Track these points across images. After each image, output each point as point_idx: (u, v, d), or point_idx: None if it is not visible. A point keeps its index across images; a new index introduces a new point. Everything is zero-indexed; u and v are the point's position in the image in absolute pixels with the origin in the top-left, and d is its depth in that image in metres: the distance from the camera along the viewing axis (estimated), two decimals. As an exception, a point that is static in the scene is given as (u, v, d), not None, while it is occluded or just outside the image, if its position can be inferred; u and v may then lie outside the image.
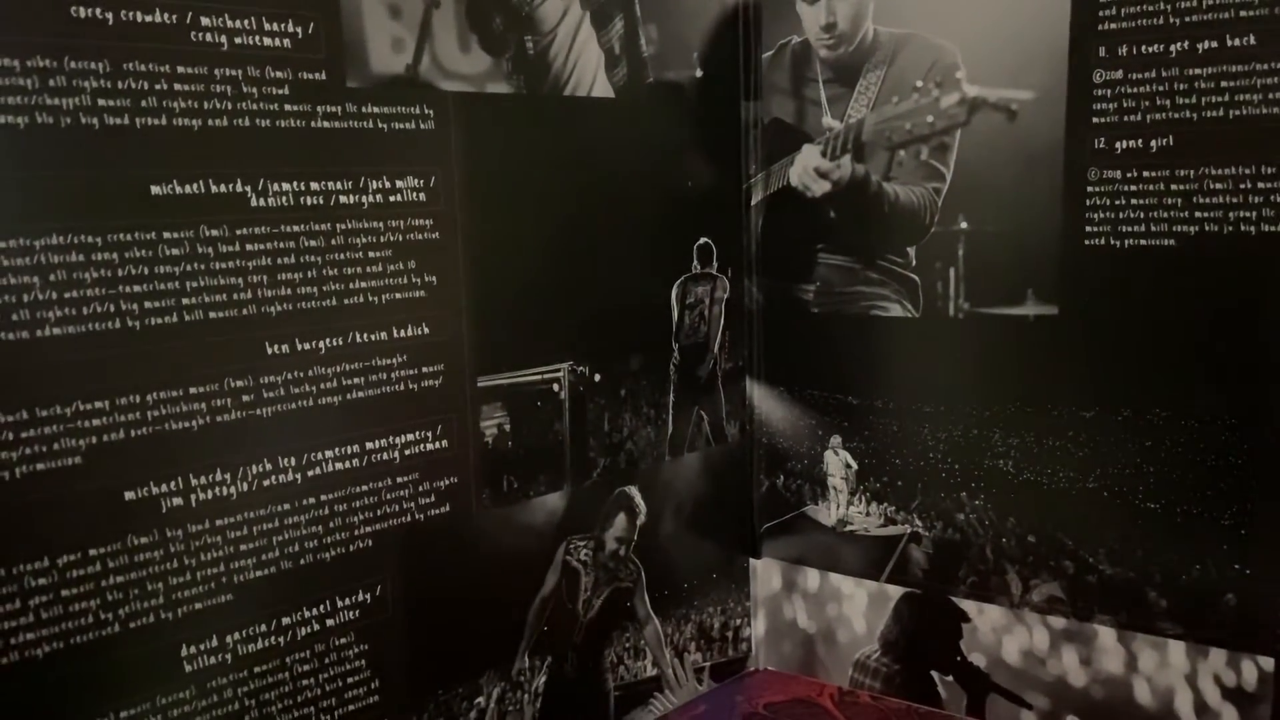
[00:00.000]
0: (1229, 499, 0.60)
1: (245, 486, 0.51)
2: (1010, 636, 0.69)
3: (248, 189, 0.50)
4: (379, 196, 0.54)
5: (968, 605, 0.71)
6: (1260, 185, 0.57)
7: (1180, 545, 0.62)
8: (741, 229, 0.76)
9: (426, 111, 0.56)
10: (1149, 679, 0.65)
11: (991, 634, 0.70)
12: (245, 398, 0.51)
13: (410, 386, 0.57)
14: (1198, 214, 0.59)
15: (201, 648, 0.50)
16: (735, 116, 0.74)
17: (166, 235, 0.47)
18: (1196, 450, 0.61)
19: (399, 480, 0.57)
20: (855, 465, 0.75)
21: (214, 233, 0.49)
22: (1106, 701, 0.66)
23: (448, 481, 0.60)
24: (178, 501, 0.49)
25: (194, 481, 0.49)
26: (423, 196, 0.56)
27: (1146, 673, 0.65)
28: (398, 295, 0.56)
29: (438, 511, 0.59)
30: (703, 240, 0.73)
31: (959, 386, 0.69)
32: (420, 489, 0.58)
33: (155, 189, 0.47)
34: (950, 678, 0.72)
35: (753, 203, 0.75)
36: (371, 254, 0.55)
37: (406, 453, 0.57)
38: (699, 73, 0.71)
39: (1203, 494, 0.61)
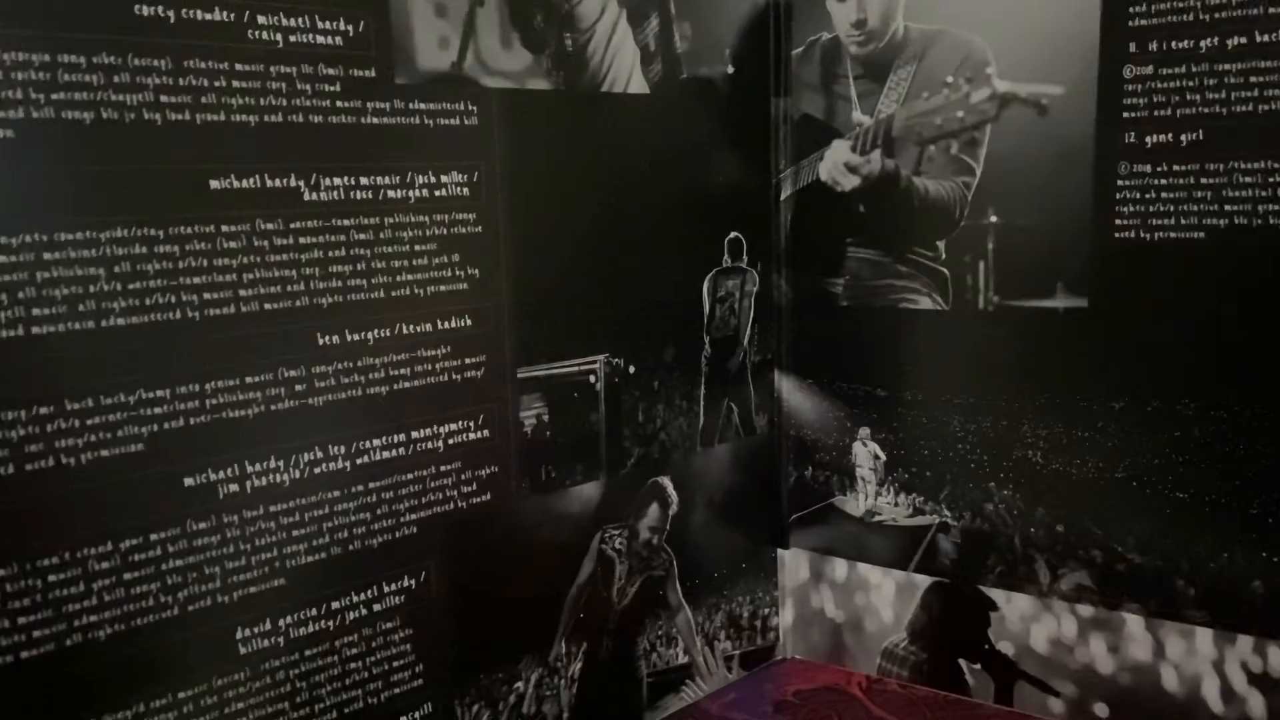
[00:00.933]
0: (1257, 488, 0.61)
1: (297, 473, 0.52)
2: (1038, 625, 0.70)
3: (301, 183, 0.51)
4: (425, 191, 0.56)
5: (996, 594, 0.72)
6: (1289, 179, 0.58)
7: (1208, 534, 0.63)
8: (772, 223, 0.77)
9: (470, 108, 0.57)
10: (1176, 666, 0.66)
11: (1019, 622, 0.71)
12: (298, 387, 0.52)
13: (453, 377, 0.59)
14: (1227, 207, 0.60)
15: (255, 630, 0.52)
16: (766, 112, 0.75)
17: (225, 229, 0.48)
18: (1225, 440, 0.62)
19: (442, 469, 0.59)
20: (884, 456, 0.76)
21: (269, 226, 0.50)
22: (1134, 689, 0.67)
23: (489, 470, 0.61)
24: (234, 488, 0.50)
25: (249, 468, 0.50)
26: (466, 191, 0.58)
27: (1174, 660, 0.66)
28: (442, 288, 0.57)
29: (479, 500, 0.60)
30: (733, 234, 0.74)
31: (988, 379, 0.70)
32: (463, 477, 0.60)
33: (214, 183, 0.48)
34: (978, 666, 0.73)
35: (783, 197, 0.76)
36: (418, 247, 0.56)
37: (450, 442, 0.59)
38: (731, 69, 0.72)
39: (1231, 483, 0.62)
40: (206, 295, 0.48)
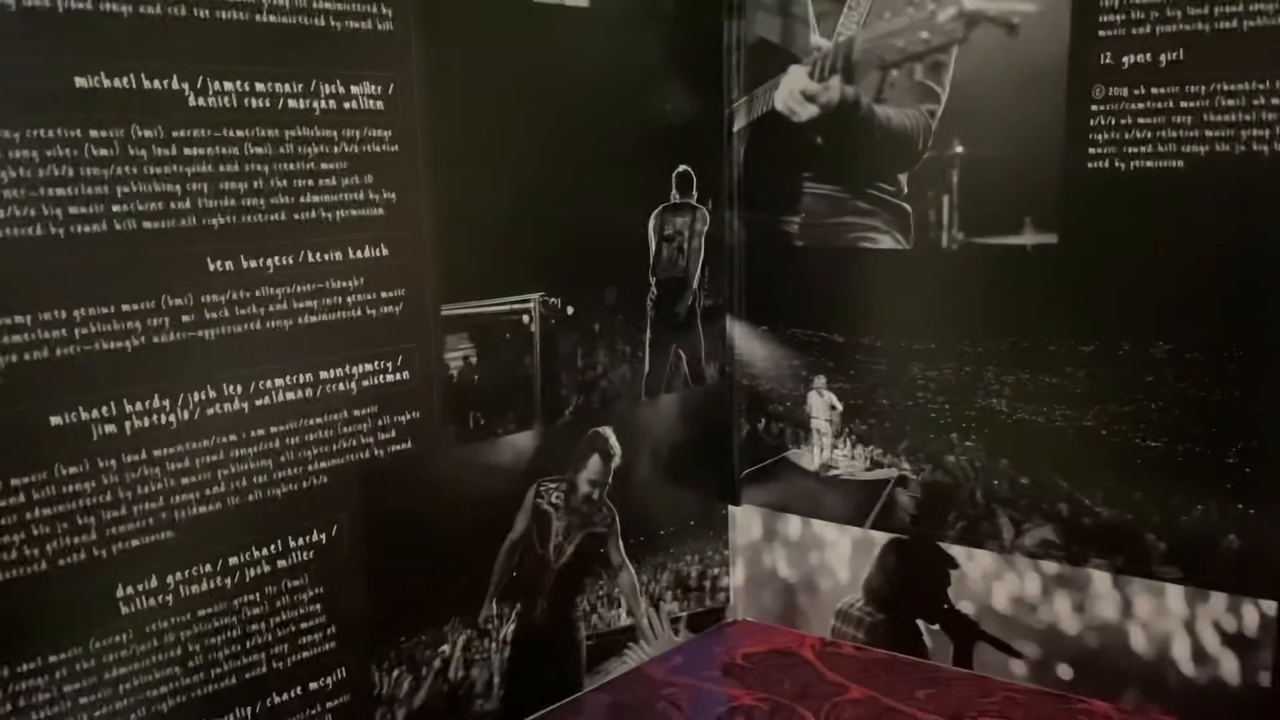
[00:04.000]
0: (1233, 436, 0.58)
1: (186, 415, 0.47)
2: (1000, 583, 0.67)
3: (185, 86, 0.45)
4: (331, 102, 0.50)
5: (956, 551, 0.68)
6: (1275, 101, 0.54)
7: (1181, 485, 0.59)
8: (723, 157, 0.72)
9: (384, 11, 0.51)
10: (1145, 625, 0.62)
11: (981, 581, 0.67)
12: (185, 318, 0.46)
13: (368, 312, 0.53)
14: (1208, 133, 0.56)
15: (139, 588, 0.46)
16: (717, 36, 0.70)
17: (93, 134, 0.43)
18: (1200, 385, 0.58)
19: (356, 413, 0.53)
20: (840, 407, 0.72)
21: (147, 133, 0.44)
22: (1100, 649, 0.64)
23: (409, 416, 0.56)
24: (110, 429, 0.45)
25: (128, 408, 0.45)
26: (380, 105, 0.52)
27: (1143, 619, 0.62)
28: (353, 212, 0.52)
29: (399, 448, 0.55)
30: (682, 168, 0.69)
31: (951, 322, 0.66)
32: (380, 423, 0.54)
33: (80, 81, 0.42)
34: (937, 627, 0.70)
35: (735, 129, 0.71)
36: (324, 165, 0.50)
37: (364, 384, 0.54)
38: (679, -14, 0.67)
39: (1206, 431, 0.58)
40: (73, 210, 0.42)
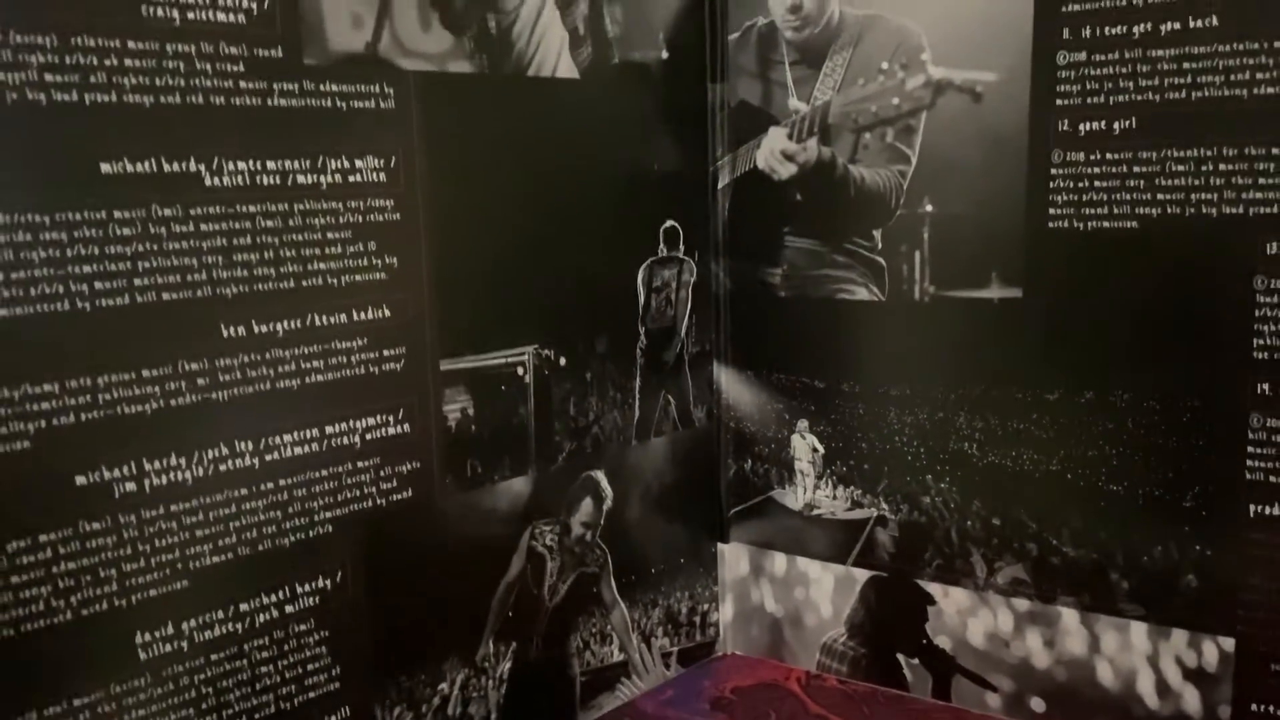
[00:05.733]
0: (1190, 480, 0.61)
1: (201, 471, 0.50)
2: (975, 619, 0.70)
3: (201, 167, 0.49)
4: (338, 176, 0.54)
5: (933, 588, 0.71)
6: (1221, 167, 0.57)
7: (1142, 527, 0.63)
8: (709, 212, 0.75)
9: (386, 90, 0.55)
10: (1111, 660, 0.65)
11: (956, 616, 0.70)
12: (200, 381, 0.50)
13: (371, 370, 0.57)
14: (1160, 196, 0.59)
15: (157, 635, 0.49)
16: (702, 99, 0.74)
17: (117, 214, 0.46)
18: (1158, 432, 0.61)
19: (359, 465, 0.57)
20: (822, 449, 0.75)
21: (167, 212, 0.48)
22: (1069, 683, 0.67)
23: (410, 466, 0.59)
24: (130, 486, 0.48)
25: (147, 466, 0.48)
26: (383, 177, 0.56)
27: (1109, 654, 0.65)
28: (358, 277, 0.55)
29: (400, 496, 0.59)
30: (669, 223, 0.73)
31: (924, 369, 0.69)
32: (382, 473, 0.58)
33: (105, 167, 0.46)
34: (916, 661, 0.73)
35: (720, 186, 0.75)
36: (330, 235, 0.54)
37: (367, 437, 0.57)
38: (665, 54, 0.70)
39: (1165, 475, 0.61)
40: (98, 285, 0.46)
